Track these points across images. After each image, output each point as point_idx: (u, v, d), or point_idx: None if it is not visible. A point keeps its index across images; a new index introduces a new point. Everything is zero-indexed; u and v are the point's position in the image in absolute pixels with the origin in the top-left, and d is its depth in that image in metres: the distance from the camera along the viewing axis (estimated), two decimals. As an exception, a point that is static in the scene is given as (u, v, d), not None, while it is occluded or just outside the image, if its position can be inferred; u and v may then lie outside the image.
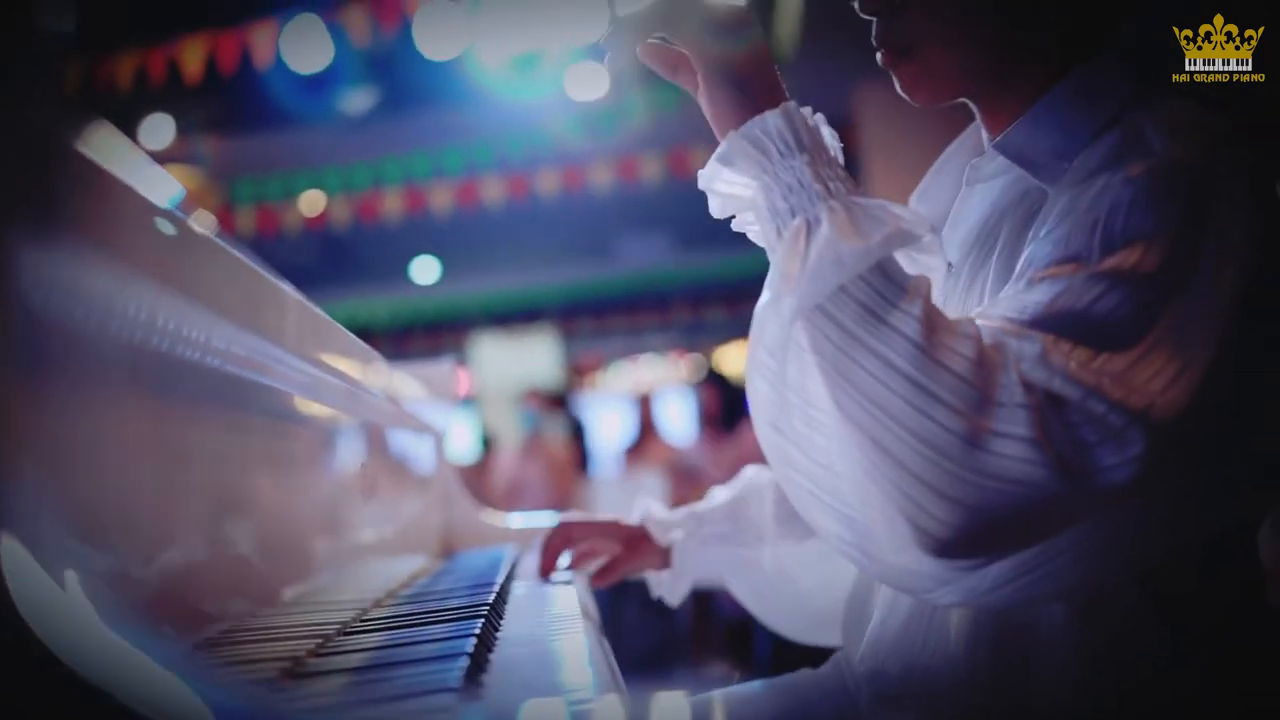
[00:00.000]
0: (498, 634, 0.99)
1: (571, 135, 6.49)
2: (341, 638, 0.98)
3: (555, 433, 6.63)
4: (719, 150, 0.92)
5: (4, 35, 0.55)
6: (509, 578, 1.41)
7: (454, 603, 1.12)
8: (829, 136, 0.95)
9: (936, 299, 1.04)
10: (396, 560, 1.53)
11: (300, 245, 8.12)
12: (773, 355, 0.86)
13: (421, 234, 8.38)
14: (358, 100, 5.92)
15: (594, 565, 1.48)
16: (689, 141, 6.69)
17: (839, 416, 0.81)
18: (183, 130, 6.01)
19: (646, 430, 6.49)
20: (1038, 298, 0.84)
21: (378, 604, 1.22)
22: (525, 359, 10.37)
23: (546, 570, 1.45)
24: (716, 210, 0.97)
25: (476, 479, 6.19)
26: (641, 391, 7.40)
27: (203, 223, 0.78)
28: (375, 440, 1.46)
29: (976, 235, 1.04)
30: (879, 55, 1.05)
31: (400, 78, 5.86)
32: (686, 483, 5.33)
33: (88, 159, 0.61)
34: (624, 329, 11.43)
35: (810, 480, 0.88)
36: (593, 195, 7.13)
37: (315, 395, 1.13)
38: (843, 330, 0.81)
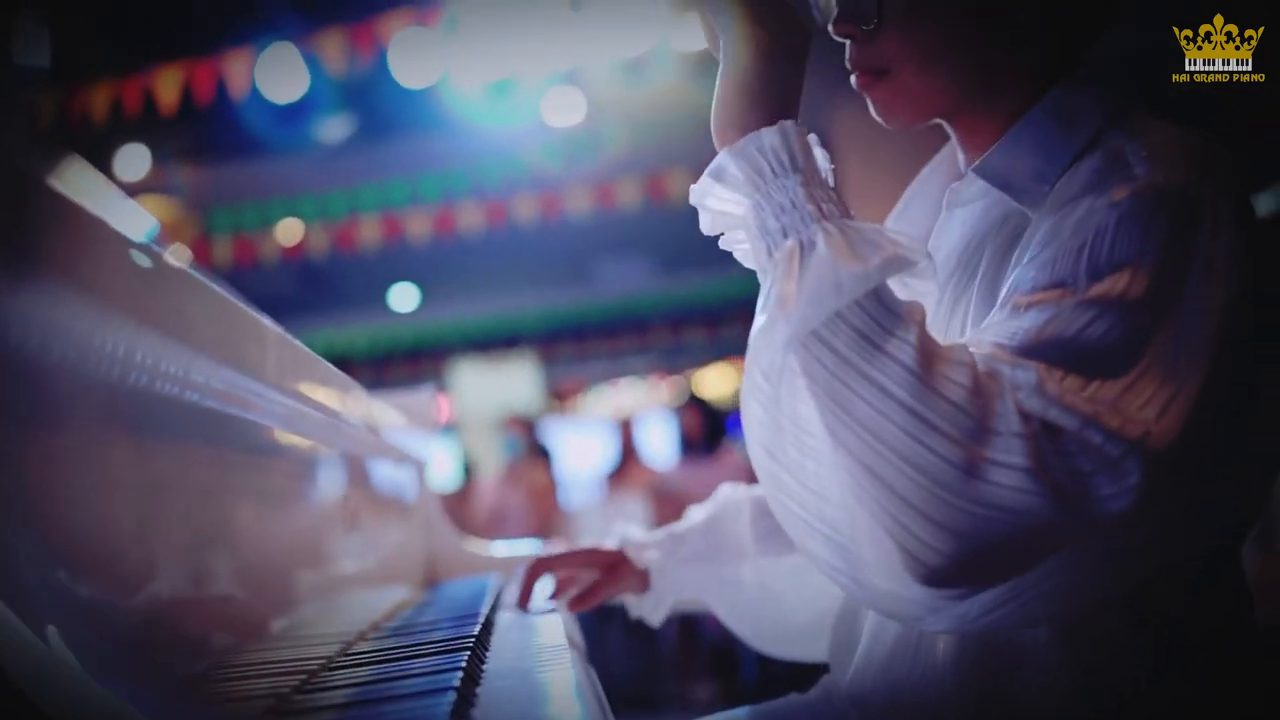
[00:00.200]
0: (484, 666, 0.98)
1: (549, 161, 6.50)
2: (327, 673, 0.97)
3: (534, 459, 6.61)
4: (712, 165, 0.92)
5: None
6: (493, 608, 1.40)
7: (439, 635, 1.11)
8: (822, 159, 0.94)
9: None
10: (380, 592, 1.52)
11: (278, 274, 8.09)
12: (767, 379, 0.85)
13: (399, 261, 8.36)
14: (334, 128, 5.93)
15: (572, 592, 1.47)
16: (666, 166, 6.71)
17: (832, 443, 0.81)
18: (158, 160, 6.00)
19: (628, 455, 6.48)
20: (1027, 324, 0.84)
21: (362, 637, 1.21)
22: (505, 385, 10.34)
23: (524, 605, 1.44)
24: (706, 227, 0.96)
25: (458, 506, 6.16)
26: (622, 416, 7.38)
27: (179, 256, 0.77)
28: (356, 471, 1.45)
29: (958, 259, 1.04)
30: (853, 78, 1.05)
31: (376, 106, 5.87)
32: (669, 506, 5.32)
33: (62, 195, 0.61)
34: (604, 353, 11.43)
35: (802, 506, 0.87)
36: (571, 220, 7.14)
37: (296, 427, 1.12)
38: (838, 357, 0.81)
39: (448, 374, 10.55)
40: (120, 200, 0.68)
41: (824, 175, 0.92)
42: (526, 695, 0.85)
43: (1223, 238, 0.84)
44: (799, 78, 0.94)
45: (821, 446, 0.83)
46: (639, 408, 11.12)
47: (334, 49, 5.09)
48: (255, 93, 5.27)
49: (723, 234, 0.98)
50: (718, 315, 10.21)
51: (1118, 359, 0.81)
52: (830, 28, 1.04)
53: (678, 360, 11.90)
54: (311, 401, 1.13)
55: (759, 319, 0.86)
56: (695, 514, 1.48)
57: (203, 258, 6.82)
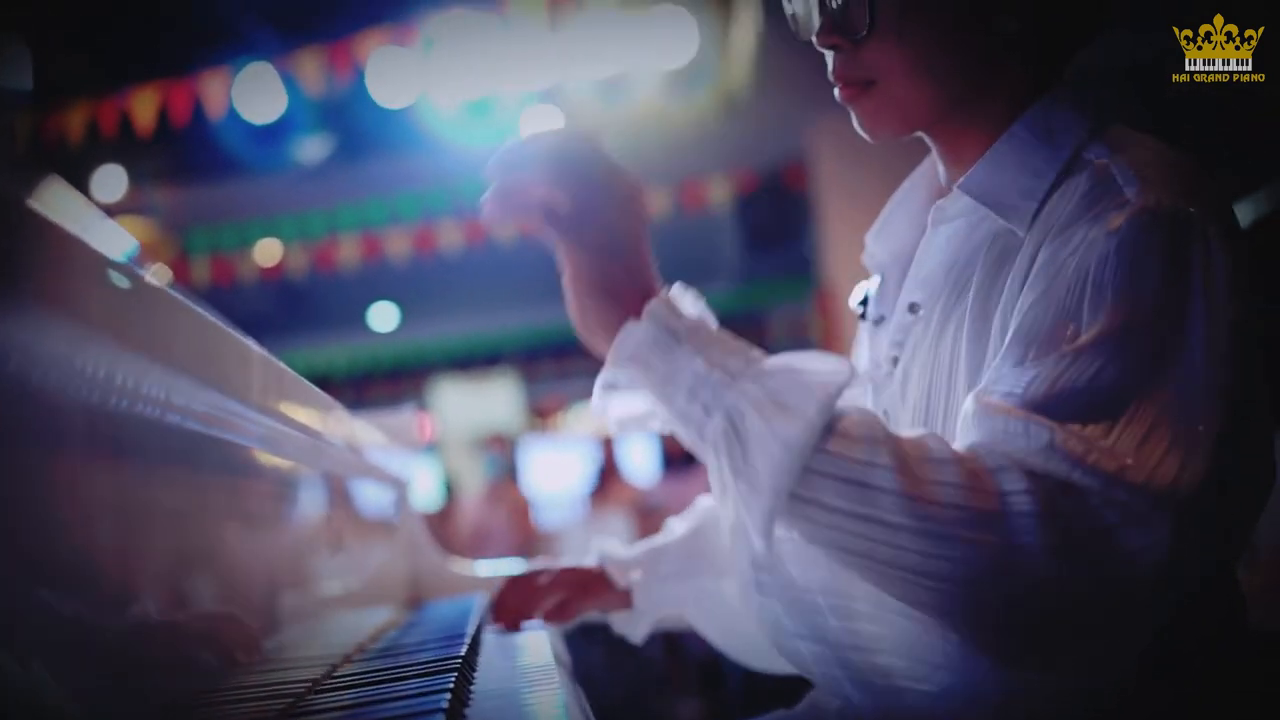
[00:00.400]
0: (472, 687, 0.97)
1: (528, 179, 6.49)
2: (314, 696, 0.96)
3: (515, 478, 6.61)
4: (600, 381, 0.88)
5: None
6: (479, 628, 1.39)
7: (426, 656, 1.10)
8: (697, 308, 0.89)
9: (899, 348, 1.05)
10: (364, 613, 1.51)
11: (256, 294, 8.06)
12: (766, 569, 0.84)
13: (379, 281, 8.34)
14: (312, 148, 5.92)
15: (546, 606, 1.46)
16: (645, 182, 6.70)
17: (867, 588, 0.81)
18: (135, 181, 5.97)
19: (610, 472, 6.47)
20: (1037, 377, 0.83)
21: (348, 659, 1.20)
22: (486, 404, 10.32)
23: (503, 624, 1.43)
24: (619, 430, 0.94)
25: (441, 526, 6.14)
26: (604, 434, 7.37)
27: (159, 277, 0.77)
28: (340, 492, 1.44)
29: (944, 276, 1.04)
30: (837, 90, 1.05)
31: (354, 125, 5.87)
32: (652, 523, 5.31)
33: (41, 215, 0.60)
34: (585, 371, 11.40)
35: (885, 676, 0.89)
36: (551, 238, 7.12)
37: (278, 449, 1.11)
38: (825, 509, 0.79)
39: (428, 393, 10.52)
40: (100, 221, 0.67)
41: (711, 327, 0.88)
42: (515, 716, 0.85)
43: (1215, 257, 0.85)
44: (643, 240, 0.90)
45: (859, 604, 0.83)
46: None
47: (311, 69, 5.09)
48: (233, 113, 5.27)
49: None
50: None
51: (1133, 404, 0.81)
52: (815, 39, 1.03)
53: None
54: (294, 423, 1.12)
55: (724, 503, 0.84)
56: (674, 527, 1.48)
57: (181, 278, 6.78)
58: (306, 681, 1.01)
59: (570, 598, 1.45)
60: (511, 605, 1.44)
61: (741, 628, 1.41)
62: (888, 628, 0.92)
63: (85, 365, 0.65)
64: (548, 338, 10.02)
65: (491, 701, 0.91)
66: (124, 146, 5.33)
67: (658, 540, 1.46)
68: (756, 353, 0.85)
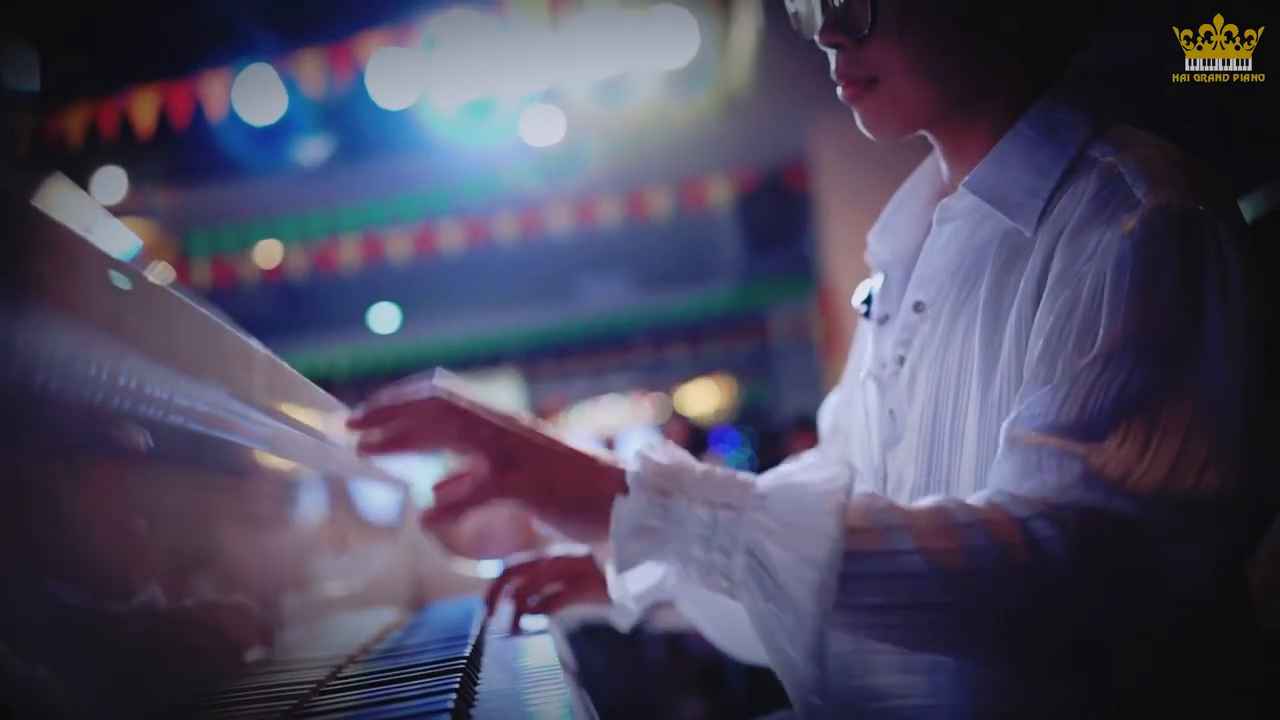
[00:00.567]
0: (477, 688, 0.97)
1: (528, 180, 6.50)
2: (318, 697, 0.96)
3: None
4: (610, 570, 0.87)
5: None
6: (483, 629, 1.38)
7: (430, 657, 1.10)
8: (669, 454, 0.87)
9: (905, 347, 1.05)
10: (368, 614, 1.51)
11: (257, 296, 8.06)
12: (819, 694, 0.83)
13: (380, 282, 8.35)
14: (312, 150, 5.91)
15: (536, 597, 1.46)
16: (646, 183, 6.72)
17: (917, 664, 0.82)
18: (136, 183, 5.97)
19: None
20: (1068, 401, 0.83)
21: (352, 660, 1.20)
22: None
23: (491, 613, 1.43)
24: (641, 603, 0.92)
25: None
26: (606, 433, 7.38)
27: (163, 276, 0.77)
28: (343, 493, 1.44)
29: (951, 275, 1.04)
30: (840, 89, 1.05)
31: (355, 126, 5.86)
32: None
33: (45, 215, 0.60)
34: (586, 371, 11.41)
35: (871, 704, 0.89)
36: (551, 239, 7.14)
37: (283, 450, 1.11)
38: (869, 609, 0.79)
39: (430, 394, 10.51)
40: (105, 219, 0.67)
41: (691, 466, 0.85)
42: (520, 717, 0.84)
43: (1226, 254, 0.85)
44: (560, 435, 0.89)
45: (910, 701, 0.84)
46: (622, 425, 11.11)
47: (311, 70, 5.09)
48: (233, 114, 5.26)
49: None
50: (699, 331, 10.22)
51: (1165, 412, 0.81)
52: (817, 38, 1.03)
53: (660, 377, 11.90)
54: (299, 424, 1.12)
55: (763, 636, 0.82)
56: None
57: (182, 280, 6.78)
58: (311, 683, 1.01)
59: (562, 589, 1.44)
60: (504, 594, 1.44)
61: (738, 624, 1.41)
62: (917, 684, 0.92)
63: (90, 366, 0.65)
64: (549, 338, 10.04)
65: (496, 702, 0.91)
66: (124, 148, 5.33)
67: None
68: (744, 477, 0.84)
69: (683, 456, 0.87)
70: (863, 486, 0.83)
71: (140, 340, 0.72)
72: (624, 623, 1.46)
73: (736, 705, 4.64)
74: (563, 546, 1.51)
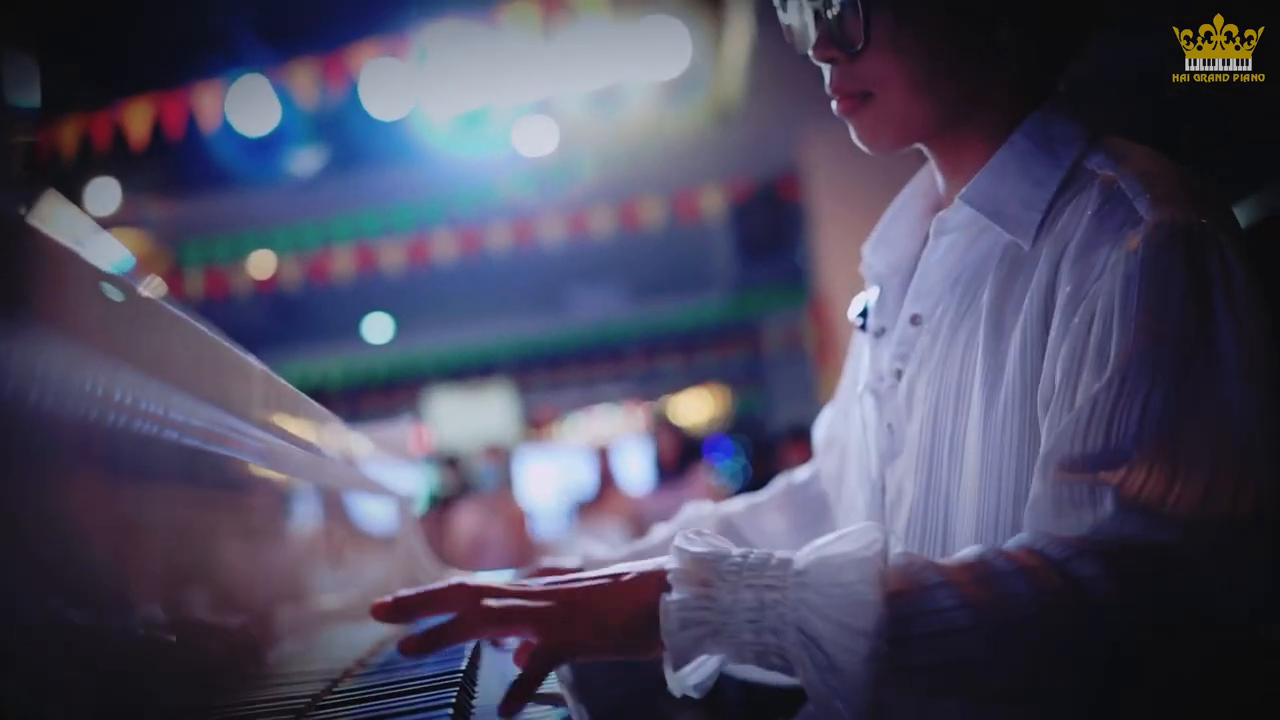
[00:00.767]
0: (473, 702, 0.97)
1: (521, 190, 6.51)
2: (315, 712, 0.95)
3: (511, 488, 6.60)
4: (667, 665, 0.85)
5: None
6: (479, 642, 1.38)
7: (426, 671, 1.10)
8: (706, 542, 0.87)
9: (903, 361, 1.05)
10: (363, 627, 1.50)
11: (251, 307, 8.05)
12: None
13: (373, 292, 8.34)
14: (306, 160, 5.92)
15: None
16: (639, 194, 6.73)
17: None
18: (129, 194, 5.96)
19: (606, 481, 6.46)
20: (1091, 427, 0.83)
21: (348, 674, 1.19)
22: (482, 414, 10.31)
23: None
24: (702, 691, 0.91)
25: (436, 537, 6.13)
26: (599, 443, 7.37)
27: (155, 290, 0.77)
28: (338, 505, 1.44)
29: (949, 288, 1.04)
30: (835, 104, 1.05)
31: (348, 137, 5.87)
32: (647, 532, 5.30)
33: (38, 230, 0.60)
34: (579, 381, 11.41)
35: None
36: (544, 249, 7.15)
37: (278, 464, 1.10)
38: (924, 670, 0.78)
39: (423, 404, 10.51)
40: (97, 234, 0.67)
41: (727, 550, 0.86)
42: (518, 731, 0.84)
43: (1231, 265, 0.86)
44: (586, 573, 0.90)
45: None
46: (615, 434, 11.11)
47: (305, 81, 5.09)
48: (226, 125, 5.27)
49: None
50: (692, 341, 10.23)
51: (1189, 426, 0.80)
52: (811, 52, 1.04)
53: (653, 386, 11.90)
54: (294, 437, 1.12)
55: (819, 708, 0.81)
56: (660, 531, 1.47)
57: (175, 291, 6.76)
58: (307, 697, 1.00)
59: None
60: None
61: None
62: None
63: (83, 381, 0.64)
64: (542, 348, 10.04)
65: (493, 716, 0.91)
66: (117, 159, 5.33)
67: (642, 543, 1.46)
68: (781, 555, 0.84)
69: (719, 543, 0.87)
70: (898, 548, 0.83)
71: (134, 355, 0.71)
72: None
73: (732, 716, 4.62)
74: (551, 560, 1.50)
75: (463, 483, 6.65)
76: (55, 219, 0.62)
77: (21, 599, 0.56)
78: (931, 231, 1.05)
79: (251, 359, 0.97)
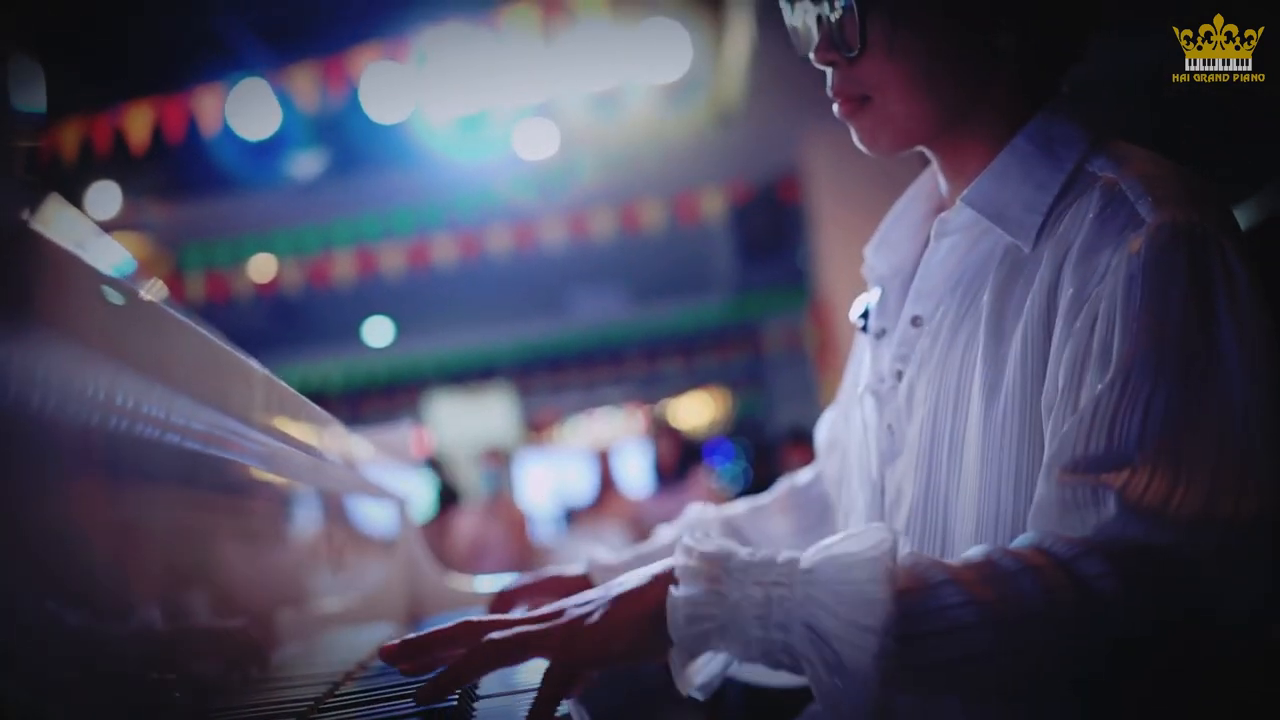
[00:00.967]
0: (475, 704, 0.97)
1: (522, 193, 6.51)
2: (317, 715, 0.96)
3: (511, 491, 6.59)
4: (674, 659, 0.86)
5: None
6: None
7: (428, 674, 1.10)
8: (713, 542, 0.87)
9: (903, 362, 1.05)
10: (364, 629, 1.50)
11: (251, 310, 8.06)
12: None
13: (373, 295, 8.34)
14: (306, 164, 5.92)
15: None
16: (639, 196, 6.73)
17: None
18: (130, 198, 5.97)
19: (606, 485, 6.46)
20: (1094, 429, 0.83)
21: (350, 677, 1.19)
22: (482, 417, 10.31)
23: None
24: (706, 691, 0.92)
25: (436, 540, 6.13)
26: (600, 446, 7.37)
27: (157, 293, 0.77)
28: (339, 509, 1.44)
29: (950, 290, 1.04)
30: (835, 106, 1.05)
31: (348, 140, 5.87)
32: (648, 535, 5.29)
33: (40, 234, 0.60)
34: (580, 383, 11.42)
35: None
36: (544, 252, 7.15)
37: (279, 468, 1.10)
38: (931, 667, 0.78)
39: (424, 407, 10.51)
40: (99, 237, 0.67)
41: (734, 550, 0.86)
42: (519, 734, 0.84)
43: (1233, 267, 0.86)
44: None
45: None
46: (616, 437, 11.12)
47: (305, 84, 5.10)
48: (227, 129, 5.27)
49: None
50: (692, 343, 10.23)
51: (1192, 426, 0.81)
52: (812, 56, 1.04)
53: (653, 389, 11.90)
54: (295, 441, 1.12)
55: (827, 706, 0.81)
56: (663, 534, 1.47)
57: (175, 295, 6.75)
58: (309, 700, 1.00)
59: None
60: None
61: None
62: None
63: (84, 384, 0.64)
64: (542, 351, 10.04)
65: (494, 717, 0.91)
66: (118, 163, 5.33)
67: (645, 546, 1.46)
68: (788, 554, 0.84)
69: (725, 542, 0.87)
70: (906, 548, 0.83)
71: (135, 358, 0.71)
72: None
73: (734, 717, 4.62)
74: (556, 568, 1.50)
75: (449, 489, 6.59)
76: (57, 222, 0.62)
77: (23, 602, 0.56)
78: (933, 233, 1.05)
79: (252, 362, 0.97)
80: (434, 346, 9.87)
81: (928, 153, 1.10)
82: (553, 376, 10.95)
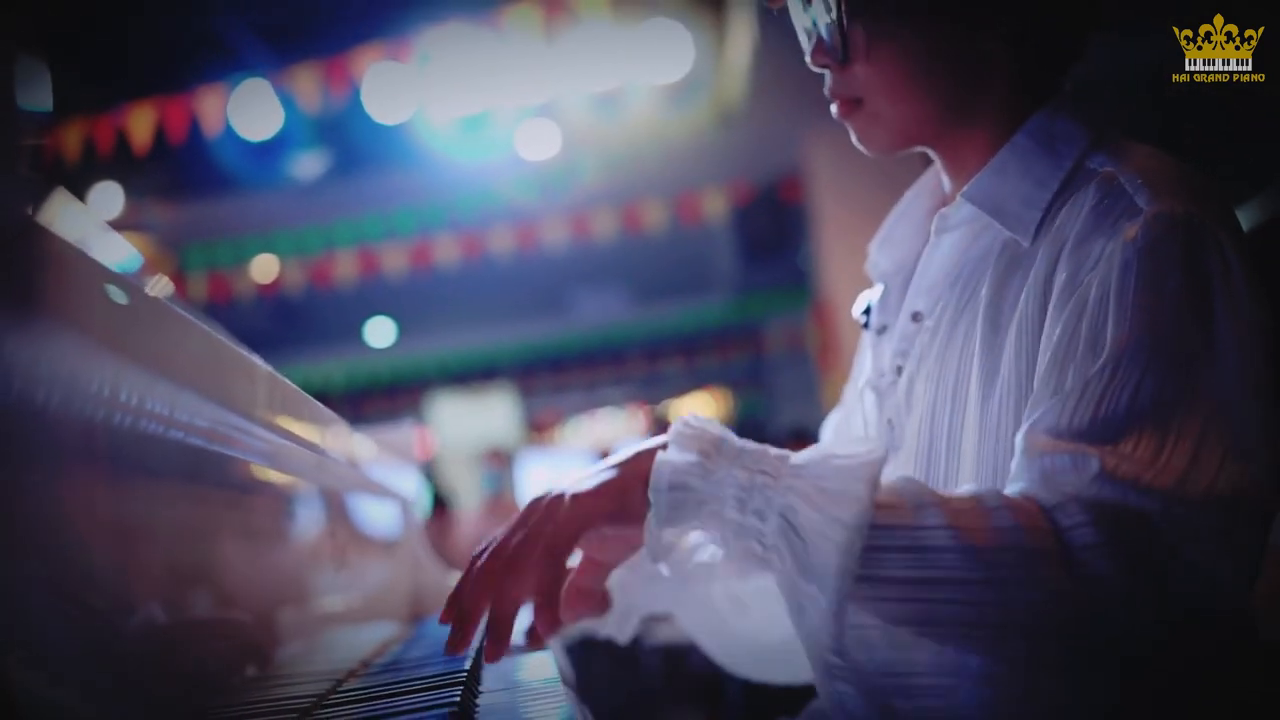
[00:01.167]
0: (477, 701, 0.97)
1: (524, 194, 6.52)
2: (319, 711, 0.96)
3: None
4: (649, 520, 0.86)
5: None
6: (482, 643, 1.38)
7: (430, 671, 1.10)
8: (713, 425, 0.89)
9: (903, 357, 1.05)
10: (367, 628, 1.51)
11: (253, 310, 8.06)
12: (840, 654, 0.84)
13: (376, 296, 8.35)
14: (308, 164, 5.93)
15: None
16: (641, 197, 6.73)
17: (942, 658, 0.83)
18: (132, 198, 5.97)
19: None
20: (1080, 406, 0.83)
21: (352, 674, 1.19)
22: (484, 417, 10.32)
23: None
24: (678, 570, 0.93)
25: (439, 540, 6.13)
26: (602, 447, 7.37)
27: (161, 290, 0.77)
28: (342, 507, 1.44)
29: (949, 285, 1.05)
30: (833, 107, 1.06)
31: (351, 141, 5.88)
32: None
33: (48, 231, 0.60)
34: (581, 384, 11.42)
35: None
36: (546, 252, 7.15)
37: (284, 465, 1.11)
38: (896, 583, 0.78)
39: (426, 408, 10.51)
40: (105, 234, 0.67)
41: (733, 439, 0.87)
42: (522, 731, 0.84)
43: (1231, 261, 0.86)
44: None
45: (925, 680, 0.84)
46: (618, 438, 11.12)
47: (307, 85, 5.10)
48: (229, 129, 5.28)
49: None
50: (694, 344, 10.23)
51: (1179, 415, 0.80)
52: (808, 59, 1.05)
53: (655, 390, 11.90)
54: (299, 439, 1.12)
55: (791, 604, 0.83)
56: None
57: (178, 295, 6.77)
58: (312, 697, 1.00)
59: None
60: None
61: (731, 632, 1.40)
62: (955, 699, 0.92)
63: (90, 380, 0.65)
64: (544, 352, 10.05)
65: (496, 715, 0.91)
66: (120, 164, 5.34)
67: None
68: (783, 451, 0.85)
69: (725, 429, 0.88)
70: (900, 473, 0.84)
71: (141, 354, 0.72)
72: (622, 635, 1.45)
73: (735, 718, 4.63)
74: None
75: (442, 494, 6.55)
76: (63, 218, 0.62)
77: (26, 598, 0.56)
78: (933, 229, 1.06)
79: (256, 359, 0.97)
80: (436, 347, 9.88)
81: (930, 152, 1.11)
82: (554, 377, 10.96)
